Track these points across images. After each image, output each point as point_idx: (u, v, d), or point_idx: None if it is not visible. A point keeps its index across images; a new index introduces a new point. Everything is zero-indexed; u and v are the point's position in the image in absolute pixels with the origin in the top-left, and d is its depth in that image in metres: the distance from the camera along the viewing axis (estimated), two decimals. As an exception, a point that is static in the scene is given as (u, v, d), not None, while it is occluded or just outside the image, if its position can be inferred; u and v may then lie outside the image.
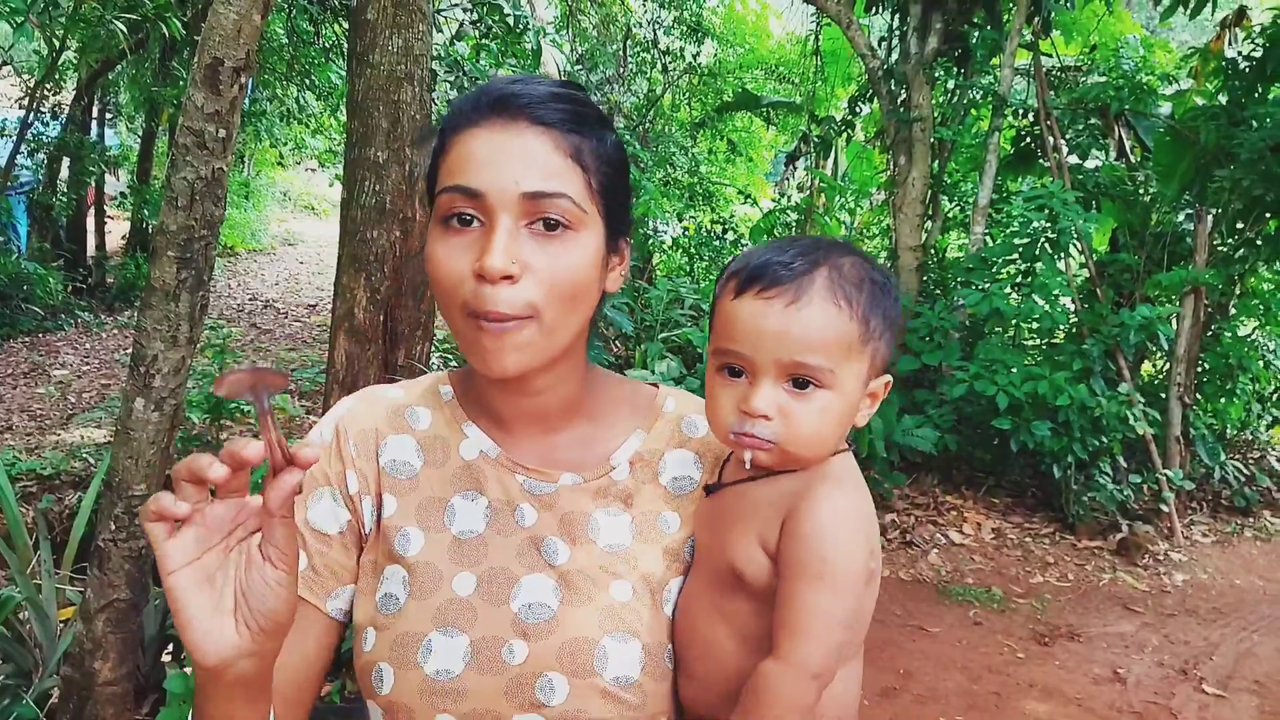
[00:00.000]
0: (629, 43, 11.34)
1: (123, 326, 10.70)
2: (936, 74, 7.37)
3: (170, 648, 3.07)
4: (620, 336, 7.12)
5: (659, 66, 11.28)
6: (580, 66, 11.23)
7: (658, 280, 8.26)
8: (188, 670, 2.62)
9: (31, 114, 10.19)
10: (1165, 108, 7.73)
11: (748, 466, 0.89)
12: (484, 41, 5.11)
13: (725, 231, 10.63)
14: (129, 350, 9.69)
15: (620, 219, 0.96)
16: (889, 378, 0.92)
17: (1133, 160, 7.73)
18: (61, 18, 5.99)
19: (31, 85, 10.14)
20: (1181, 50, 8.77)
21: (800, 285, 0.86)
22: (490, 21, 5.07)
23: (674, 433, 1.03)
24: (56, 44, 9.04)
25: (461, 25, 5.22)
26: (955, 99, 7.72)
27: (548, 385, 0.97)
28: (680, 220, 10.38)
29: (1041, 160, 7.58)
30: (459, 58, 4.59)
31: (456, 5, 5.62)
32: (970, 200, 7.51)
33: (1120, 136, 7.87)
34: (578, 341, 0.96)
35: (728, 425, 0.89)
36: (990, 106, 6.99)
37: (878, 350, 0.89)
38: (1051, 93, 7.37)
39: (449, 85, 4.93)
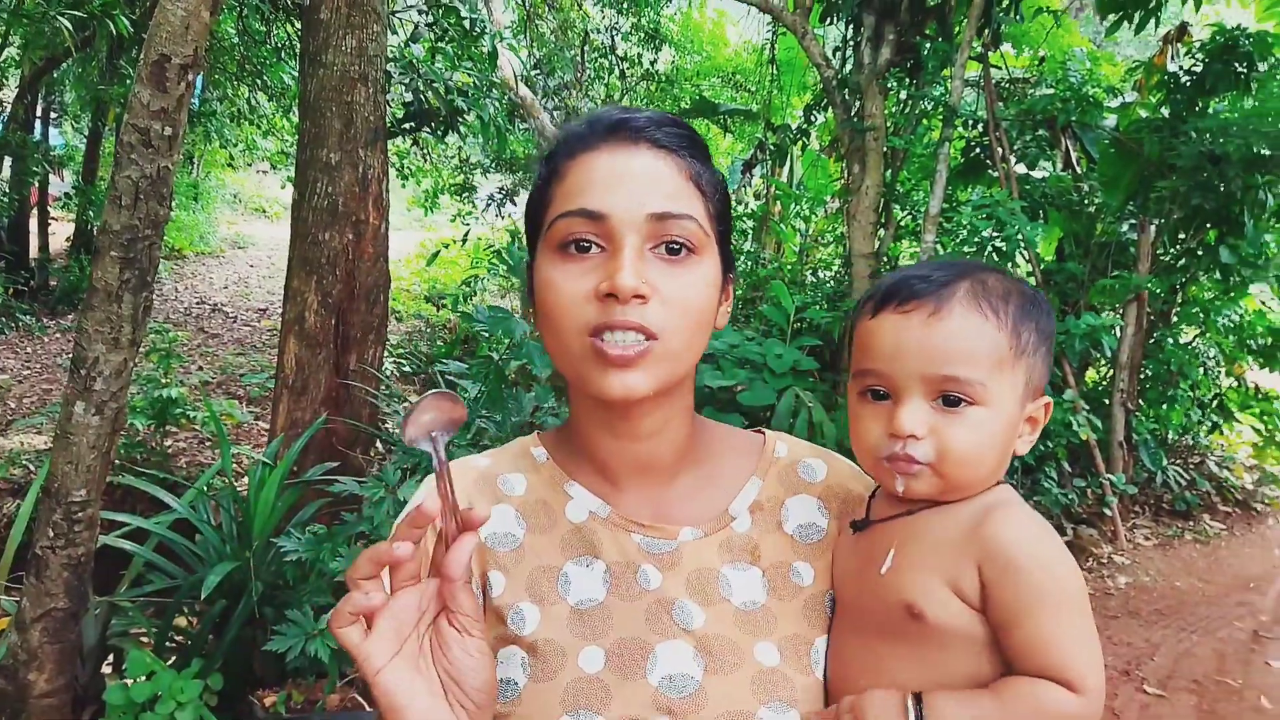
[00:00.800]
0: (587, 48, 11.36)
1: (66, 330, 10.45)
2: (889, 84, 7.48)
3: (110, 658, 3.00)
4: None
5: (616, 73, 11.31)
6: (538, 71, 11.22)
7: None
8: (128, 682, 2.56)
9: (-29, 112, 9.94)
10: (1111, 120, 7.93)
11: (900, 492, 0.84)
12: (440, 44, 5.10)
13: (682, 237, 10.68)
14: (72, 354, 9.48)
15: (728, 248, 0.93)
16: (1049, 400, 0.87)
17: (1079, 171, 7.93)
18: (3, 13, 5.85)
19: (-29, 82, 9.88)
20: (1127, 64, 9.00)
21: (941, 296, 0.82)
22: (446, 24, 5.05)
23: (791, 478, 0.98)
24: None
25: (417, 27, 5.20)
26: (907, 109, 7.85)
27: (659, 427, 0.91)
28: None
29: (991, 170, 7.73)
30: (414, 60, 4.58)
31: (412, 7, 5.59)
32: (922, 209, 7.63)
33: (1067, 147, 8.06)
34: (689, 378, 0.92)
35: (876, 451, 0.84)
36: (941, 117, 7.12)
37: (1033, 366, 0.84)
38: (1001, 104, 7.52)
39: (403, 87, 4.91)
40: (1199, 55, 6.83)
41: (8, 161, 11.05)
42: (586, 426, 0.93)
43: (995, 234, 6.17)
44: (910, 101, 7.77)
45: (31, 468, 6.00)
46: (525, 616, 0.87)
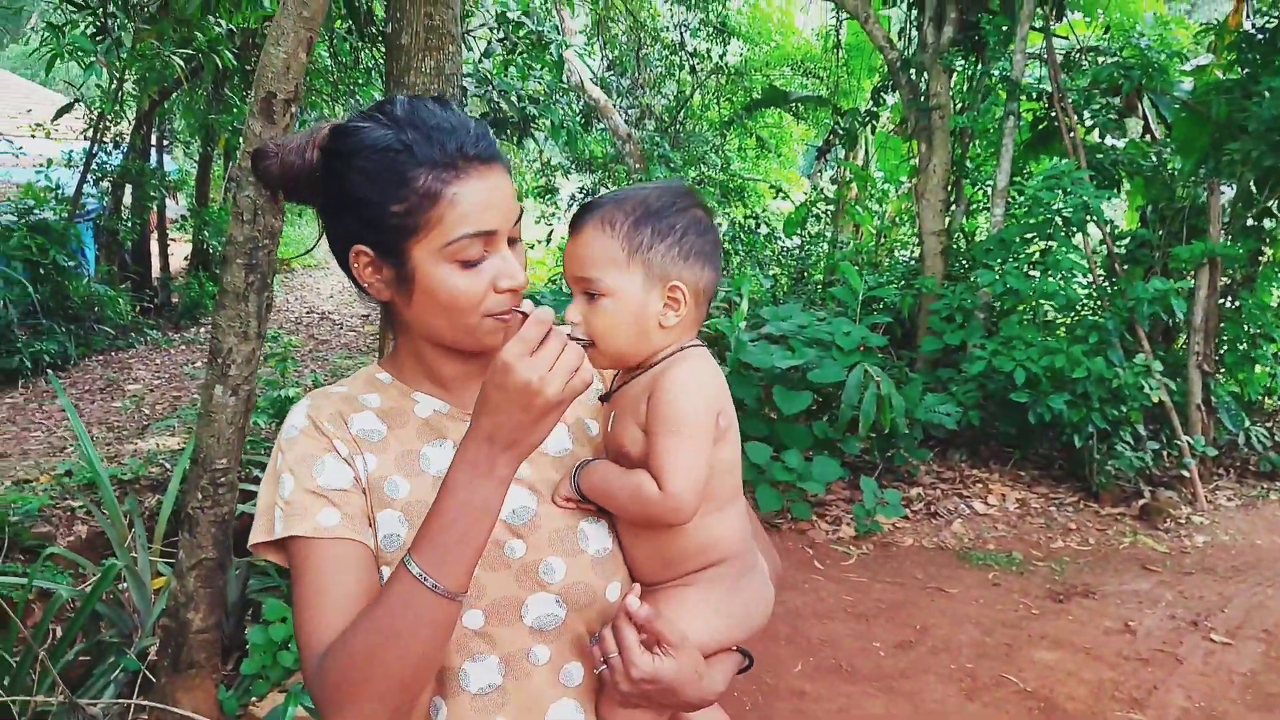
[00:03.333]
0: (658, 46, 11.66)
1: (189, 342, 11.29)
2: (953, 62, 7.58)
3: (250, 612, 3.47)
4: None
5: (687, 69, 11.58)
6: (611, 73, 11.58)
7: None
8: (268, 624, 3.01)
9: (95, 145, 10.83)
10: (1187, 83, 7.83)
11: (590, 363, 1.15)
12: (511, 57, 5.47)
13: (758, 225, 10.89)
14: (196, 364, 10.25)
15: None
16: (676, 283, 1.10)
17: (1157, 136, 7.85)
18: (124, 54, 6.48)
19: (95, 118, 10.77)
20: (1201, 26, 8.82)
21: (585, 221, 1.12)
22: (516, 38, 5.42)
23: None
24: (118, 78, 9.63)
25: (490, 43, 5.57)
26: (972, 86, 7.91)
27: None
28: (714, 217, 10.66)
29: (1060, 141, 7.73)
30: (488, 74, 4.94)
31: (484, 25, 5.99)
32: (992, 184, 7.70)
33: (1144, 114, 8.00)
34: None
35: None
36: (1005, 91, 7.18)
37: (650, 260, 1.09)
38: (1067, 75, 7.52)
39: (479, 99, 5.29)
40: (1273, 13, 6.72)
41: (128, 189, 11.92)
42: (434, 357, 1.18)
43: (1061, 204, 6.24)
44: (975, 78, 7.84)
45: (168, 466, 6.61)
46: (398, 486, 1.12)
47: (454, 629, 1.01)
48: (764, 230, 10.91)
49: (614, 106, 10.57)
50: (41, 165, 10.91)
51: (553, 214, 13.39)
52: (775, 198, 11.97)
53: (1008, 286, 6.10)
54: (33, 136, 10.97)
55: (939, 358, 6.94)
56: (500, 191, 1.08)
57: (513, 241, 1.11)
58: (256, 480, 3.80)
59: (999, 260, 6.37)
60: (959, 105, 7.93)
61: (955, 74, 7.89)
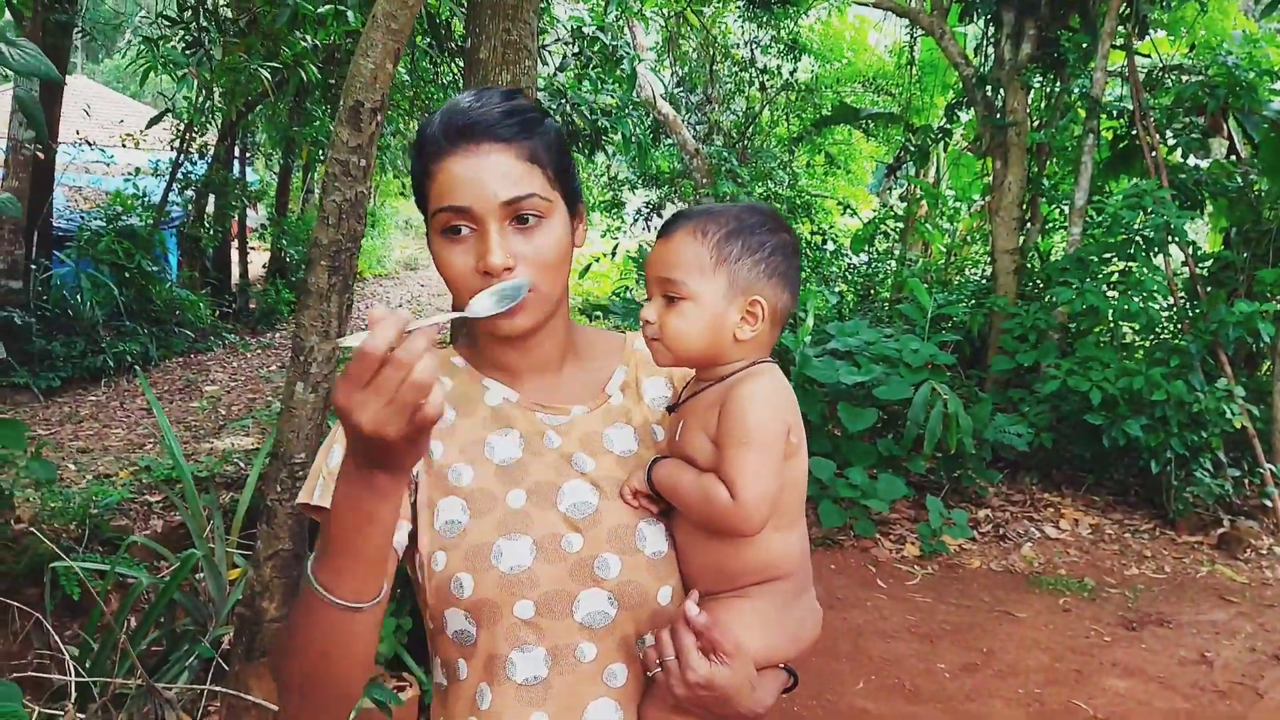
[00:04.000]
0: (728, 63, 11.70)
1: (265, 347, 11.64)
2: (1031, 79, 7.46)
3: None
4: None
5: (757, 85, 11.58)
6: (680, 89, 11.65)
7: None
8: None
9: (181, 155, 11.26)
10: (1277, 103, 7.58)
11: (658, 362, 1.18)
12: (585, 71, 5.56)
13: (825, 242, 10.82)
14: (271, 368, 10.53)
15: (573, 190, 1.18)
16: (757, 297, 1.12)
17: (1243, 156, 7.61)
18: (214, 67, 6.75)
19: (182, 129, 11.20)
20: (1293, 43, 8.52)
21: (673, 227, 1.14)
22: (590, 52, 5.51)
23: (646, 364, 1.28)
24: (205, 91, 10.02)
25: (564, 57, 5.67)
26: (1050, 103, 7.78)
27: (545, 337, 1.20)
28: (780, 233, 10.62)
29: (1141, 160, 7.54)
30: (562, 87, 5.03)
31: (560, 40, 6.11)
32: (1069, 202, 7.54)
33: (1230, 134, 7.76)
34: (563, 297, 1.20)
35: (643, 332, 1.18)
36: (1085, 109, 7.04)
37: (735, 271, 1.10)
38: (1149, 94, 7.34)
39: (554, 111, 5.37)
40: (1369, 28, 6.48)
41: (211, 198, 12.36)
42: (491, 342, 1.21)
43: (1143, 224, 6.09)
44: (1053, 95, 7.71)
45: (243, 464, 6.81)
46: (462, 474, 1.14)
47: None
48: (830, 247, 10.84)
49: (683, 122, 10.63)
50: (130, 174, 11.38)
51: (619, 228, 13.48)
52: (843, 214, 11.88)
53: (1086, 305, 5.95)
54: (123, 146, 11.45)
55: (1010, 378, 6.80)
56: (486, 171, 1.08)
57: (526, 220, 1.10)
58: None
59: (1077, 280, 6.23)
60: (1036, 122, 7.80)
61: (1032, 91, 7.77)
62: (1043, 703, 3.64)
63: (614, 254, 12.16)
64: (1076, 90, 7.28)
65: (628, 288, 10.22)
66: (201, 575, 3.53)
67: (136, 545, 5.26)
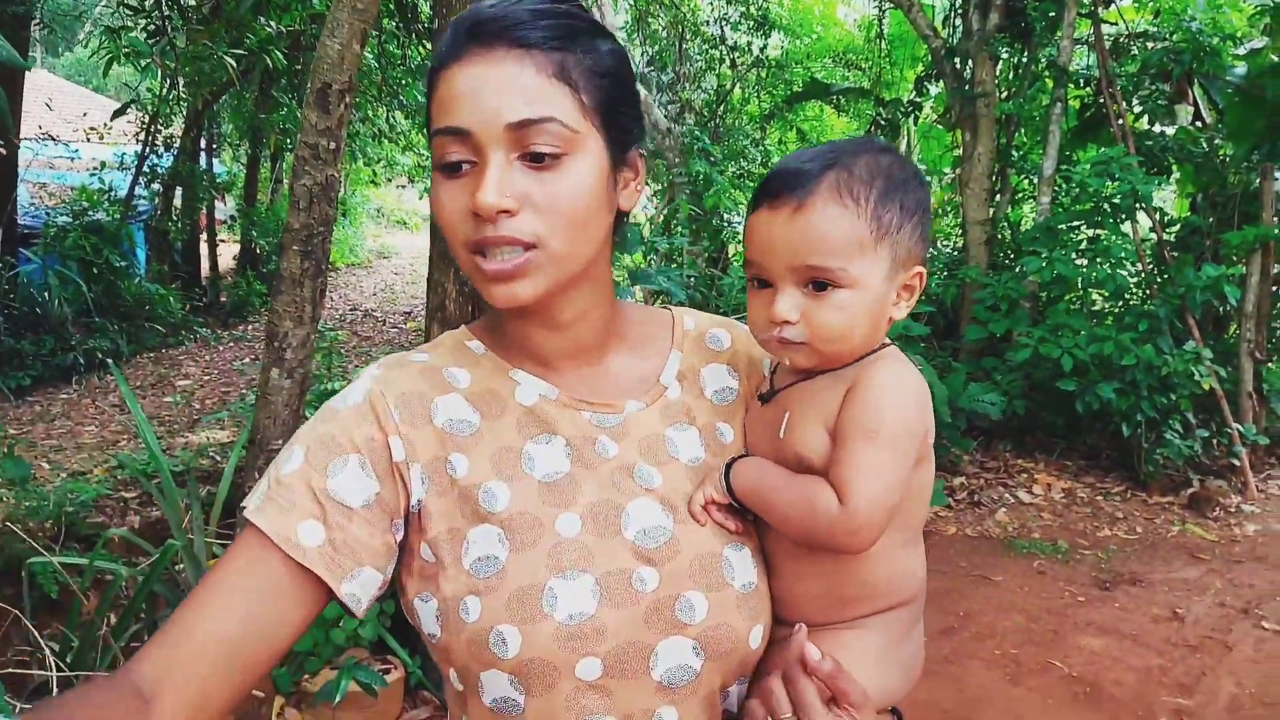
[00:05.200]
0: (698, 40, 11.66)
1: (237, 340, 11.53)
2: (999, 50, 7.50)
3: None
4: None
5: (727, 62, 11.56)
6: (651, 68, 11.61)
7: (732, 268, 8.57)
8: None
9: (147, 147, 11.10)
10: (1240, 68, 7.67)
11: (788, 365, 0.95)
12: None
13: (798, 219, 10.83)
14: (245, 360, 10.45)
15: (626, 131, 0.92)
16: (920, 269, 0.92)
17: (1208, 122, 7.70)
18: (176, 55, 6.67)
19: (147, 120, 11.04)
20: (1255, 9, 8.62)
21: (805, 191, 0.88)
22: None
23: (702, 349, 1.06)
24: (170, 80, 9.88)
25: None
26: (1018, 73, 7.82)
27: (578, 314, 0.96)
28: (753, 210, 10.65)
29: (1108, 128, 7.62)
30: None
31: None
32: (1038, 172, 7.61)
33: (1195, 100, 7.84)
34: (598, 268, 0.94)
35: (762, 333, 0.92)
36: (1052, 78, 7.09)
37: (898, 243, 0.89)
38: (1115, 61, 7.41)
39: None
40: (1328, -8, 6.56)
41: (179, 190, 12.20)
42: (515, 320, 0.97)
43: (1110, 191, 6.16)
44: (1021, 65, 7.75)
45: (219, 458, 6.76)
46: (495, 495, 0.89)
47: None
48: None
49: (654, 102, 10.61)
50: (95, 169, 11.22)
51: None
52: (816, 191, 11.92)
53: (1056, 274, 6.02)
54: (87, 140, 11.28)
55: (983, 347, 6.89)
56: (492, 82, 0.84)
57: (540, 157, 0.85)
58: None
59: (1046, 249, 6.31)
60: (1004, 93, 7.85)
61: (1000, 61, 7.81)
62: (1019, 663, 3.71)
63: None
64: (1044, 60, 7.32)
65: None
66: (181, 566, 3.52)
67: (114, 540, 5.24)
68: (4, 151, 8.54)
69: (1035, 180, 7.81)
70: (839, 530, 0.85)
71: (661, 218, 9.10)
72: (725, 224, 9.86)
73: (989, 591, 4.43)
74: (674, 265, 7.18)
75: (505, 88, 0.83)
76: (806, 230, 0.87)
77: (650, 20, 11.77)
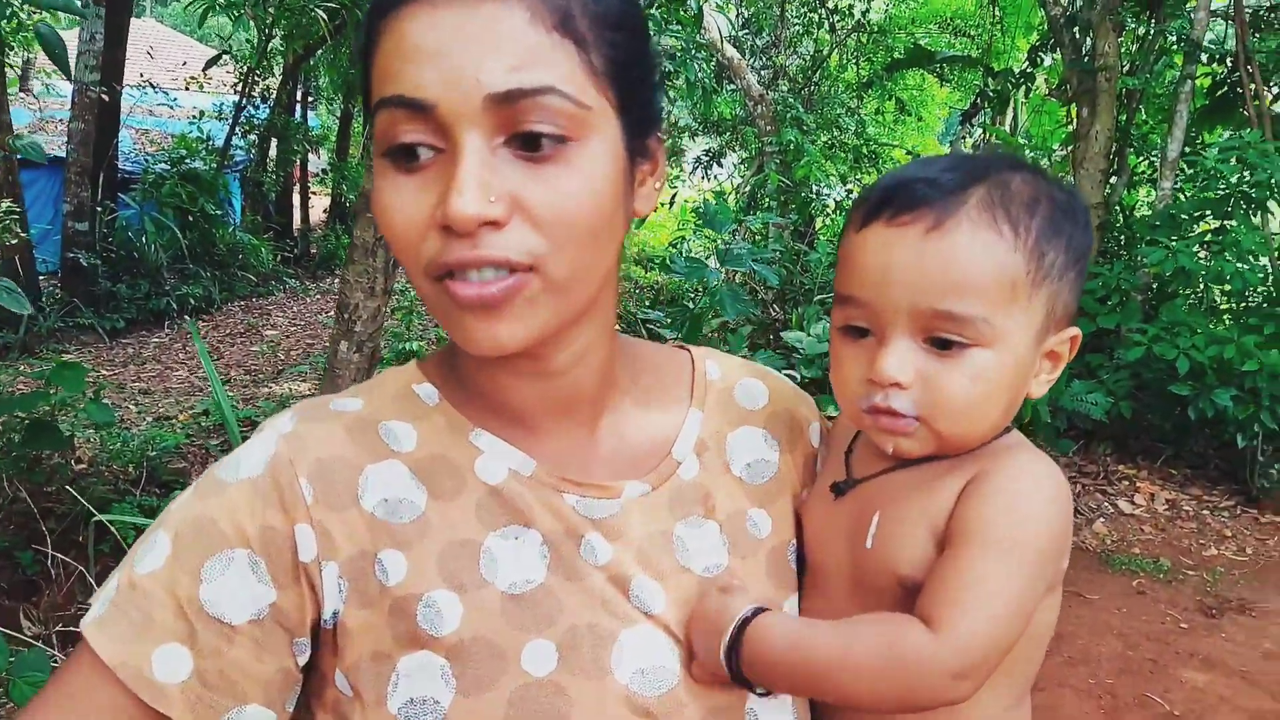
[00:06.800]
0: (796, 2, 11.24)
1: (324, 291, 11.72)
2: (1124, 19, 6.98)
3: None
4: (777, 298, 7.19)
5: (826, 26, 11.12)
6: (746, 30, 11.24)
7: (819, 243, 8.26)
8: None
9: (244, 99, 11.26)
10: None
11: (889, 452, 0.70)
12: (649, 10, 5.31)
13: (893, 194, 10.43)
14: (330, 313, 10.61)
15: (646, 106, 0.68)
16: (1076, 331, 0.71)
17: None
18: (271, 8, 6.65)
19: (244, 72, 11.19)
20: None
21: (946, 205, 0.65)
22: (654, -10, 5.28)
23: (731, 406, 0.80)
24: (266, 32, 9.96)
25: (625, -4, 5.42)
26: (1144, 45, 7.28)
27: (574, 359, 0.71)
28: (845, 183, 10.28)
29: (1242, 109, 7.04)
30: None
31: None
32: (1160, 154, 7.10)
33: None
34: (604, 294, 0.70)
35: (856, 400, 0.70)
36: (1183, 52, 6.56)
37: (1058, 293, 0.68)
38: (1255, 35, 6.82)
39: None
40: None
41: (274, 142, 12.40)
42: (480, 368, 0.72)
43: (1243, 179, 5.68)
44: (1148, 37, 7.20)
45: (299, 410, 6.83)
46: (442, 610, 0.65)
47: None
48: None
49: (747, 66, 10.27)
50: (195, 117, 11.44)
51: (677, 176, 13.17)
52: (913, 164, 11.46)
53: (1179, 266, 5.58)
54: (186, 89, 11.51)
55: (1089, 342, 6.47)
56: (466, 33, 0.58)
57: (536, 143, 0.59)
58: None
59: (1167, 238, 5.85)
60: (1126, 66, 7.32)
61: (1124, 32, 7.28)
62: (1115, 695, 3.44)
63: (672, 203, 11.90)
64: (1174, 32, 6.78)
65: (684, 238, 10.01)
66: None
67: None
68: (106, 98, 8.73)
69: (1155, 163, 7.29)
70: (931, 672, 0.61)
71: (748, 189, 8.82)
72: (815, 195, 9.53)
73: (1083, 611, 4.15)
74: (760, 242, 6.94)
75: (485, 42, 0.58)
76: (943, 259, 0.63)
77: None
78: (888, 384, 0.66)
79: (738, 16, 11.17)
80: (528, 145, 0.60)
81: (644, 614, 0.69)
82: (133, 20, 10.06)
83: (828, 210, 9.83)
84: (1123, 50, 7.28)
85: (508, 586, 0.67)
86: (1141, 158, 7.66)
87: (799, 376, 5.58)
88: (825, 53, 11.35)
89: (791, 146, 8.46)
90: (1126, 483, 5.70)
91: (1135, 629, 4.00)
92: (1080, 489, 5.57)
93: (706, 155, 12.61)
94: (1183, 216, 5.94)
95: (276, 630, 0.65)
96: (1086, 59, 7.09)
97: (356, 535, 0.67)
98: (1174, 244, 5.73)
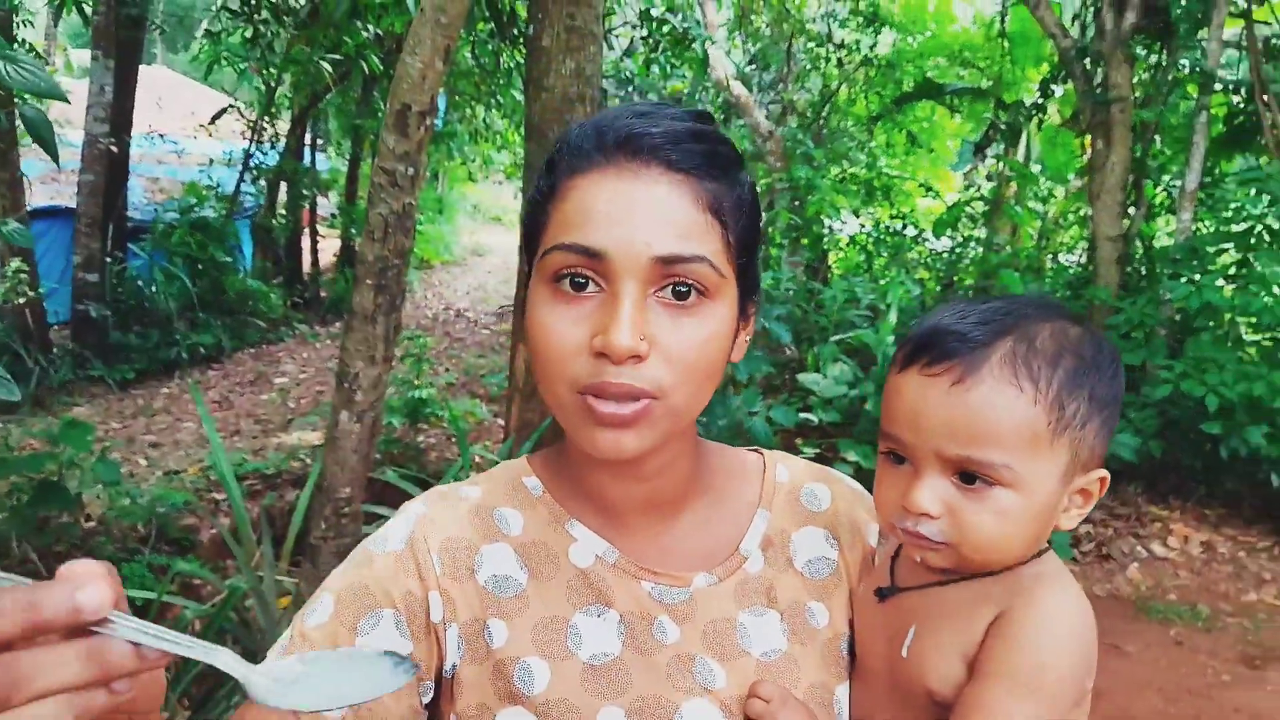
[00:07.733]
0: (803, 39, 11.24)
1: (334, 337, 11.66)
2: (1136, 50, 6.89)
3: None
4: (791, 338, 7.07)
5: (834, 61, 11.11)
6: (753, 67, 11.23)
7: (833, 279, 8.16)
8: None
9: (253, 145, 11.31)
10: None
11: (919, 561, 0.79)
12: (653, 55, 5.26)
13: (905, 226, 10.35)
14: (336, 369, 10.59)
15: (753, 277, 0.82)
16: (1104, 473, 0.78)
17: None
18: (276, 60, 6.66)
19: (253, 120, 11.24)
20: None
21: (972, 360, 0.72)
22: (659, 36, 5.22)
23: (796, 508, 0.92)
24: (273, 83, 10.00)
25: (632, 42, 5.38)
26: (1158, 76, 7.19)
27: (664, 465, 0.83)
28: (857, 216, 10.20)
29: (1260, 139, 6.93)
30: (629, 73, 4.75)
31: (626, 23, 5.80)
32: (1178, 184, 6.98)
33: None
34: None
35: (891, 518, 0.78)
36: (1197, 83, 6.47)
37: (1081, 440, 0.74)
38: (1269, 65, 6.72)
39: (619, 100, 5.11)
40: None
41: (283, 187, 12.43)
42: (586, 464, 0.84)
43: (1265, 210, 5.56)
44: (1160, 68, 7.12)
45: (308, 460, 6.75)
46: (534, 673, 0.78)
47: None
48: (910, 231, 10.36)
49: (755, 102, 10.24)
50: (204, 164, 11.49)
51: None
52: (924, 196, 11.35)
53: (1205, 302, 5.44)
54: (194, 137, 11.58)
55: (1112, 378, 6.33)
56: (644, 204, 0.72)
57: (685, 293, 0.73)
58: (383, 498, 3.72)
59: (1188, 271, 5.72)
60: (1140, 98, 7.23)
61: (1136, 64, 7.19)
62: (1161, 759, 3.28)
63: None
64: (1186, 63, 6.69)
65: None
66: (251, 603, 3.39)
67: (203, 543, 5.21)
68: (115, 149, 8.76)
69: (1173, 194, 7.17)
70: None
71: (761, 227, 8.73)
72: (827, 231, 9.43)
73: (1120, 665, 3.97)
74: (769, 279, 6.82)
75: (658, 214, 0.72)
76: (966, 411, 0.72)
77: (753, 17, 11.39)
78: (918, 513, 0.74)
79: (744, 53, 11.18)
80: (677, 295, 0.73)
81: (705, 689, 0.80)
82: (142, 67, 10.12)
83: (840, 245, 9.75)
84: (1136, 81, 7.19)
85: (589, 658, 0.80)
86: (1159, 189, 7.54)
87: (816, 420, 5.45)
88: (834, 88, 11.33)
89: (803, 183, 8.39)
90: (1159, 524, 5.52)
91: (1175, 682, 3.82)
92: (1112, 532, 5.40)
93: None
94: (1205, 249, 5.81)
95: (414, 681, 0.79)
96: (1099, 90, 7.01)
97: (472, 604, 0.81)
98: (1199, 278, 5.60)
